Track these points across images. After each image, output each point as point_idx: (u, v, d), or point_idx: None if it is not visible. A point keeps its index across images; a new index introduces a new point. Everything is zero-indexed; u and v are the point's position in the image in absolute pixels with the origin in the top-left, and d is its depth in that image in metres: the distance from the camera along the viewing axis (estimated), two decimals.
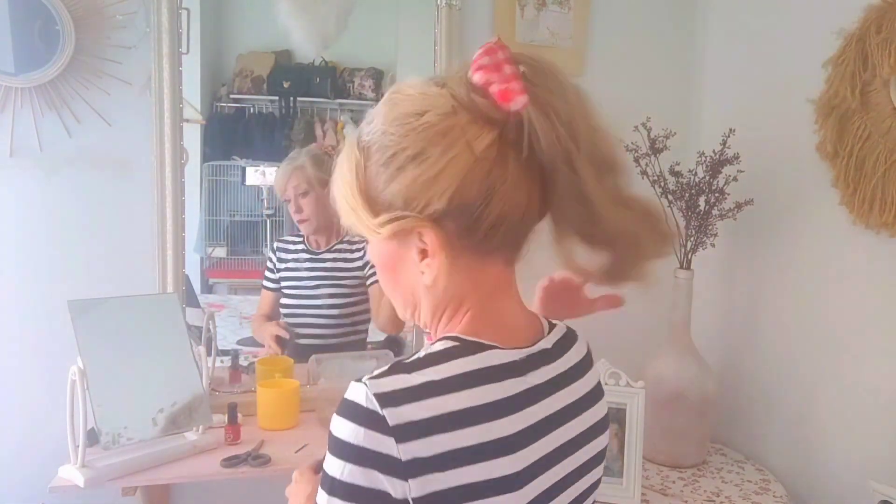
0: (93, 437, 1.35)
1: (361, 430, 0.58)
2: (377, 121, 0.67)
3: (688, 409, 1.74)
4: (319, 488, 0.61)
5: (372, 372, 0.62)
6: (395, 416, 0.58)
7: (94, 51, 1.60)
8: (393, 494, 0.58)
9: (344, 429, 0.59)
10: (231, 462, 1.42)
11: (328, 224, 1.85)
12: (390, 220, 0.64)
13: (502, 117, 0.63)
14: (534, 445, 0.65)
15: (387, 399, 0.59)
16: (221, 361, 1.78)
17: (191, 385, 1.47)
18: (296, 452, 1.45)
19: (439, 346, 0.66)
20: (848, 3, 1.52)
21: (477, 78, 0.64)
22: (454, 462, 0.59)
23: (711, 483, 1.70)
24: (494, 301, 0.69)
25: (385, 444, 0.58)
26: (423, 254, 0.65)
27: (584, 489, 0.75)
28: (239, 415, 1.53)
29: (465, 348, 0.65)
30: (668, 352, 1.79)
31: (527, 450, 0.64)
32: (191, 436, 1.47)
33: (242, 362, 1.81)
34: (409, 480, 0.58)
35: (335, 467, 0.59)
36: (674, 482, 1.69)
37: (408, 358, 0.65)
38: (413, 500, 0.58)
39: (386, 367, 0.63)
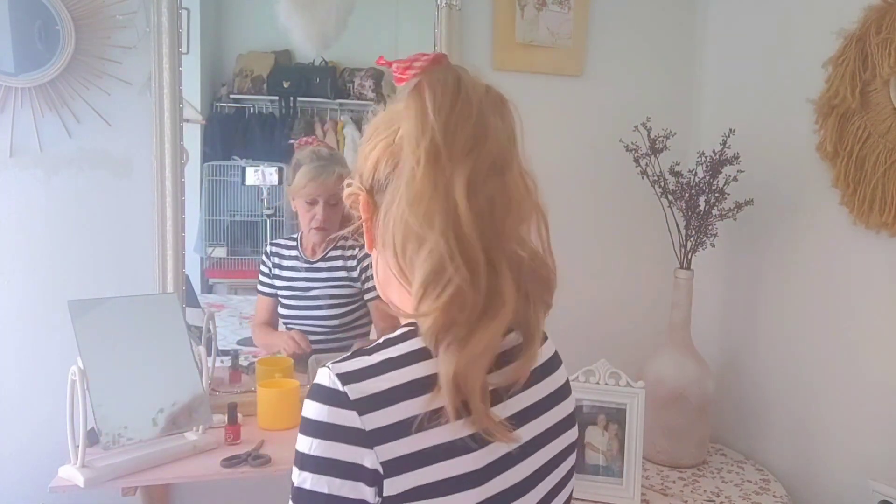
0: (93, 437, 1.35)
1: (326, 407, 0.63)
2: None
3: (688, 409, 1.74)
4: (293, 466, 0.66)
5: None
6: (355, 391, 0.63)
7: (94, 51, 1.60)
8: (361, 463, 0.62)
9: (311, 409, 0.65)
10: (231, 462, 1.42)
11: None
12: (348, 185, 0.77)
13: None
14: (494, 409, 0.68)
15: (348, 377, 0.64)
16: (221, 361, 1.78)
17: (191, 385, 1.47)
18: None
19: (398, 331, 0.71)
20: (848, 3, 1.52)
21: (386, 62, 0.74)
22: (412, 428, 0.63)
23: (711, 483, 1.70)
24: None
25: (348, 418, 0.63)
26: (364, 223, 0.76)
27: (552, 457, 0.77)
28: (239, 415, 1.53)
29: (417, 330, 0.69)
30: (668, 352, 1.79)
31: None
32: (191, 436, 1.47)
33: (242, 362, 1.81)
34: (375, 448, 0.62)
35: (304, 444, 0.64)
36: (674, 482, 1.69)
37: (368, 345, 0.70)
38: (382, 464, 0.62)
39: (348, 354, 0.68)
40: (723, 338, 1.99)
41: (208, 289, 1.95)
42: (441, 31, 1.79)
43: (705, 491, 1.65)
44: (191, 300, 1.77)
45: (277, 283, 1.87)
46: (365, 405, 0.63)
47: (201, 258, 1.92)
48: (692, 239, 1.78)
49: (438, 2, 1.79)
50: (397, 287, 0.72)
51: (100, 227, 1.65)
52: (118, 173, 1.65)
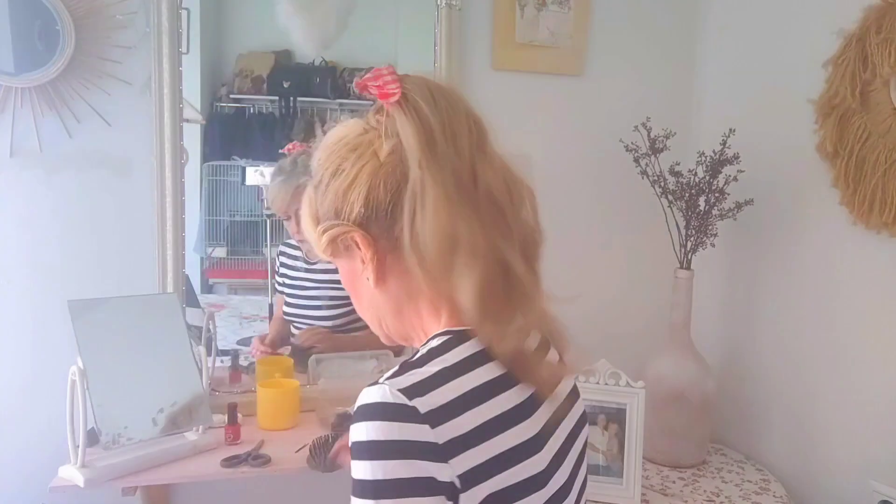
0: (93, 437, 1.35)
1: (395, 424, 0.60)
2: (314, 157, 0.76)
3: (688, 409, 1.74)
4: (359, 500, 0.60)
5: (383, 375, 0.65)
6: (424, 404, 0.61)
7: (94, 51, 1.60)
8: (438, 478, 0.60)
9: (375, 430, 0.60)
10: (231, 462, 1.42)
11: None
12: (325, 230, 0.73)
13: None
14: (538, 412, 0.70)
15: (412, 391, 0.61)
16: (221, 361, 1.78)
17: (191, 385, 1.47)
18: (296, 452, 1.45)
19: (435, 341, 0.69)
20: (848, 3, 1.52)
21: (361, 86, 0.71)
22: (484, 435, 0.63)
23: (711, 483, 1.70)
24: None
25: (422, 433, 0.60)
26: (363, 261, 0.73)
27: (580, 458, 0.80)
28: (239, 415, 1.53)
29: (459, 337, 0.69)
30: (668, 352, 1.79)
31: (536, 415, 0.69)
32: (191, 436, 1.47)
33: (242, 362, 1.81)
34: (450, 461, 0.60)
35: (375, 470, 0.59)
36: (674, 482, 1.69)
37: (411, 358, 0.68)
38: (458, 477, 0.60)
39: (396, 368, 0.66)
40: (723, 338, 1.99)
41: (208, 289, 1.95)
42: (441, 31, 1.79)
43: (705, 491, 1.65)
44: (191, 300, 1.77)
45: (285, 280, 1.89)
46: (436, 417, 0.60)
47: (201, 258, 1.92)
48: (692, 239, 1.78)
49: (438, 2, 1.79)
50: (419, 307, 0.73)
51: (100, 227, 1.65)
52: (118, 173, 1.65)
